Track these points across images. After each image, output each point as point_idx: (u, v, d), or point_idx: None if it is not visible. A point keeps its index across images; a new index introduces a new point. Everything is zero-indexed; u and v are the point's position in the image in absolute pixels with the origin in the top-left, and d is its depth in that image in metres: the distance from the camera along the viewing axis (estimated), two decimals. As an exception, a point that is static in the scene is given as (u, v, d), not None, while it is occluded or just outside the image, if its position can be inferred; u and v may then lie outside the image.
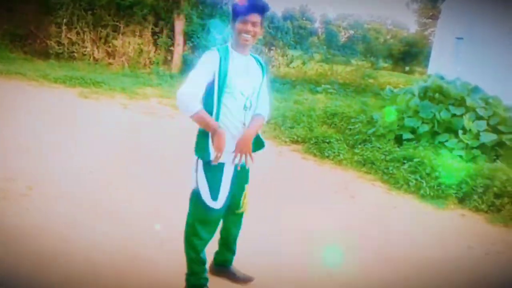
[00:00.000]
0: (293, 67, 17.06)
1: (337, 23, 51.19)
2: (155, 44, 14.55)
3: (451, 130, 7.02)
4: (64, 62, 13.48)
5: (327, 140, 7.40)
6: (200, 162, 2.88)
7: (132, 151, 6.25)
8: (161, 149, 6.37)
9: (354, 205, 5.44)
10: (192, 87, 2.73)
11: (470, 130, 6.80)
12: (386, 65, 32.35)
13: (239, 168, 2.93)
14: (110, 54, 14.36)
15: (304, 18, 46.01)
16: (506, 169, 5.97)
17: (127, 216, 4.19)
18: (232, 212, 3.13)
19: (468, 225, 5.21)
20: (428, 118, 7.18)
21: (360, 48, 40.52)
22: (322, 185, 6.03)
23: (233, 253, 3.36)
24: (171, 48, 14.44)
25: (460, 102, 7.32)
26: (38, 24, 14.17)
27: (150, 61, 14.49)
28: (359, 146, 7.25)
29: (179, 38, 14.20)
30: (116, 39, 14.22)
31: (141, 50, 14.38)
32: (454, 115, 7.09)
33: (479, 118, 6.99)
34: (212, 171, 2.86)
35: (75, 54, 13.94)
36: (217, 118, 2.81)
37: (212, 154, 2.78)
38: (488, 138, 6.69)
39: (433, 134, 7.11)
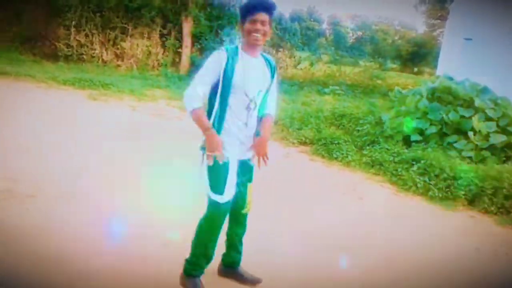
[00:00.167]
0: (301, 69, 17.04)
1: (345, 24, 51.12)
2: (163, 46, 14.61)
3: (460, 131, 6.99)
4: (73, 64, 13.58)
5: (335, 142, 7.39)
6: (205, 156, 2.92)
7: (140, 152, 6.28)
8: (169, 151, 6.39)
9: (362, 207, 5.43)
10: (194, 87, 2.84)
11: (479, 131, 6.76)
12: (394, 66, 32.24)
13: None
14: (118, 56, 14.43)
15: (312, 19, 46.00)
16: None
17: (133, 217, 4.20)
18: (238, 212, 3.13)
19: (477, 227, 5.18)
20: (436, 120, 7.15)
21: (368, 49, 40.44)
22: (330, 186, 6.01)
23: (240, 253, 3.35)
24: (179, 50, 14.48)
25: (469, 103, 7.29)
26: (47, 26, 14.30)
27: (158, 63, 14.55)
28: (368, 148, 7.23)
29: (187, 40, 14.24)
30: (125, 41, 14.29)
31: (150, 52, 14.44)
32: (462, 116, 7.05)
33: (488, 119, 6.95)
34: (216, 166, 2.88)
35: (84, 56, 14.04)
36: (220, 117, 2.86)
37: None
38: (498, 139, 6.66)
39: (442, 135, 7.08)
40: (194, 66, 13.36)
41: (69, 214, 4.13)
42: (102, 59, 14.19)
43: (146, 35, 14.40)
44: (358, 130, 7.91)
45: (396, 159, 6.64)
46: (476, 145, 6.69)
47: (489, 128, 6.78)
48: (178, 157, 5.95)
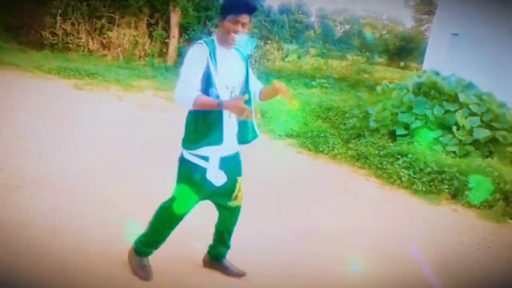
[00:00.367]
0: (289, 61, 17.02)
1: (333, 17, 51.13)
2: (151, 36, 14.49)
3: (444, 126, 7.05)
4: (59, 53, 13.41)
5: (322, 135, 7.43)
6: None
7: (126, 143, 6.24)
8: (156, 142, 6.36)
9: (347, 200, 5.46)
10: (186, 88, 2.74)
11: (463, 126, 6.83)
12: (381, 60, 32.34)
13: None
14: (105, 46, 14.29)
15: (300, 12, 45.93)
16: (498, 166, 6.02)
17: (121, 209, 4.19)
18: (224, 204, 3.13)
19: (461, 221, 5.25)
20: (421, 114, 7.20)
21: (356, 43, 40.49)
22: (316, 179, 6.05)
23: (227, 247, 3.37)
24: (167, 40, 14.39)
25: (454, 98, 7.35)
26: (32, 14, 14.07)
27: (145, 53, 14.44)
28: (354, 141, 7.27)
29: (174, 30, 14.15)
30: (111, 31, 14.14)
31: (136, 42, 14.33)
32: (447, 111, 7.12)
33: (473, 114, 7.02)
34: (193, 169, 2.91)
35: (70, 45, 13.86)
36: (204, 113, 2.82)
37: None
38: (481, 134, 6.73)
39: (427, 130, 7.14)
40: (181, 56, 13.27)
41: (54, 204, 4.10)
42: (88, 48, 14.03)
43: (133, 25, 14.28)
44: (345, 124, 7.95)
45: (382, 153, 6.69)
46: (460, 140, 6.76)
47: (473, 123, 6.86)
48: (164, 147, 5.94)
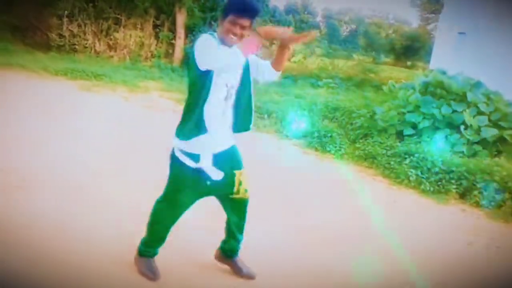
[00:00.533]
0: (295, 62, 17.02)
1: (339, 17, 51.01)
2: (157, 37, 14.51)
3: (452, 125, 7.02)
4: (65, 54, 13.44)
5: (329, 135, 7.40)
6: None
7: (133, 144, 6.25)
8: (162, 143, 6.34)
9: (354, 200, 5.44)
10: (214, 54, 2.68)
11: (471, 125, 6.79)
12: (387, 59, 32.23)
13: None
14: (111, 47, 14.31)
15: (306, 12, 45.80)
16: (506, 165, 5.98)
17: (126, 209, 4.18)
18: (226, 197, 3.10)
19: (469, 220, 5.22)
20: (429, 114, 7.17)
21: (362, 42, 40.37)
22: (323, 179, 6.03)
23: (238, 242, 3.31)
24: (173, 41, 14.40)
25: (462, 97, 7.31)
26: (39, 16, 14.12)
27: (151, 54, 14.46)
28: (361, 141, 7.25)
29: (180, 32, 14.16)
30: (118, 32, 14.17)
31: (142, 43, 14.34)
32: (455, 110, 7.08)
33: (481, 113, 6.98)
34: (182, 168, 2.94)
35: (76, 47, 13.89)
36: (202, 106, 2.81)
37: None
38: (489, 133, 6.69)
39: (434, 129, 7.11)
40: (187, 57, 13.28)
41: (59, 205, 4.11)
42: (95, 50, 14.06)
43: (139, 26, 14.30)
44: (352, 124, 7.92)
45: (389, 153, 6.66)
46: (468, 139, 6.72)
47: (480, 123, 6.82)
48: (170, 149, 5.93)
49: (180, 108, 2.96)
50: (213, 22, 14.14)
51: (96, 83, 10.10)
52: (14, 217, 3.78)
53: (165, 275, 3.21)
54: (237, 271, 3.36)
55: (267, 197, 4.79)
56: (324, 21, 49.95)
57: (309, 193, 5.45)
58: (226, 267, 3.40)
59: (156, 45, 14.51)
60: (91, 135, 6.34)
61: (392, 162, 6.43)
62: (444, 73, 8.48)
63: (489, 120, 6.89)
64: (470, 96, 7.15)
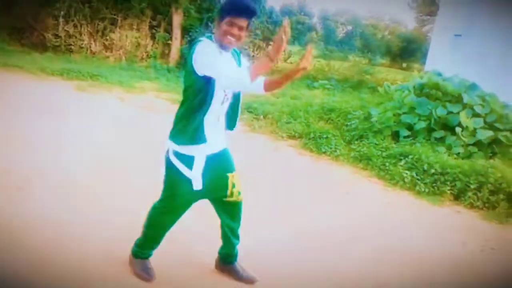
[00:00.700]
0: (291, 63, 17.03)
1: (335, 18, 51.05)
2: (153, 37, 14.52)
3: (448, 127, 7.04)
4: (61, 55, 13.43)
5: (324, 136, 7.41)
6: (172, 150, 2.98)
7: (129, 145, 6.25)
8: (158, 144, 6.34)
9: (349, 201, 5.46)
10: (242, 76, 2.55)
11: (466, 127, 6.82)
12: (383, 61, 32.28)
13: None
14: (107, 47, 14.30)
15: (302, 13, 45.83)
16: (500, 166, 6.00)
17: (124, 210, 4.18)
18: (219, 200, 3.08)
19: (464, 222, 5.23)
20: (424, 115, 7.19)
21: (358, 44, 40.42)
22: (318, 180, 6.04)
23: (234, 247, 3.30)
24: (169, 42, 14.40)
25: (457, 99, 7.33)
26: (35, 16, 14.10)
27: (147, 55, 14.46)
28: (356, 142, 7.26)
29: (176, 32, 14.16)
30: (114, 32, 14.17)
31: (139, 44, 14.34)
32: (450, 112, 7.10)
33: (476, 115, 7.00)
34: (182, 159, 2.91)
35: (72, 47, 13.88)
36: (203, 116, 2.79)
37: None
38: (484, 134, 6.71)
39: (430, 130, 7.13)
40: (184, 58, 13.29)
41: (57, 206, 4.10)
42: (91, 50, 14.05)
43: (135, 27, 14.30)
44: (347, 125, 7.94)
45: (384, 154, 6.68)
46: (463, 141, 6.74)
47: (476, 124, 6.83)
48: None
49: (176, 108, 2.95)
50: (209, 23, 14.14)
51: (92, 83, 10.10)
52: (15, 217, 3.77)
53: (164, 278, 3.21)
54: (238, 276, 3.34)
55: (262, 199, 4.79)
56: (321, 22, 49.98)
57: (304, 194, 5.45)
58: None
59: (152, 45, 14.51)
60: (88, 135, 6.33)
61: (387, 164, 6.44)
62: (439, 74, 8.50)
63: (485, 121, 6.91)
64: (465, 98, 7.17)
